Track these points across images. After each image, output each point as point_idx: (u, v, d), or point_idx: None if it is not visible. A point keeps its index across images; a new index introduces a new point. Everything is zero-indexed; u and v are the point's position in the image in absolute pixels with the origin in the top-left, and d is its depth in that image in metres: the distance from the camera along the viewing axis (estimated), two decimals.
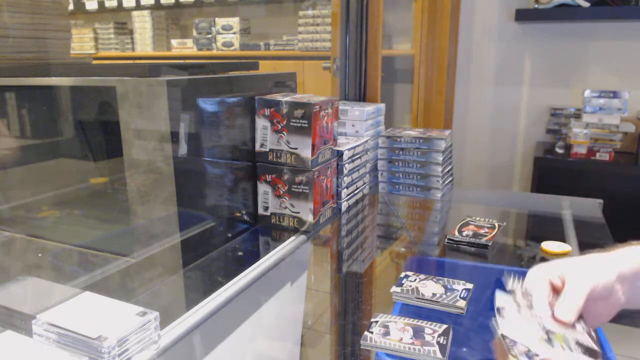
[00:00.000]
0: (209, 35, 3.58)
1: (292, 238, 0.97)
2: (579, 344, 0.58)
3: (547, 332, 0.59)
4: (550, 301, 0.61)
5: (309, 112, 0.95)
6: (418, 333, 0.66)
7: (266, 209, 1.03)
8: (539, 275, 0.63)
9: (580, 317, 0.60)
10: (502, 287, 0.87)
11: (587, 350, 0.56)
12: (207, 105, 0.89)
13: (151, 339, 0.56)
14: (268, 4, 3.55)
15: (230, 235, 0.98)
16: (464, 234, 1.04)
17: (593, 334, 0.59)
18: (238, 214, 1.02)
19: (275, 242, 0.98)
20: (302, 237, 0.98)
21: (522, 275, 0.65)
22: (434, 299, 0.76)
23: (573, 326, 0.59)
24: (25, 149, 1.10)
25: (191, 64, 0.96)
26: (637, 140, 2.17)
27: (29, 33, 1.10)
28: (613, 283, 0.60)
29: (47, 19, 1.14)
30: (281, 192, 1.00)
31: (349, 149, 1.14)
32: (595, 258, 0.64)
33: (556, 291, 0.62)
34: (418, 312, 0.75)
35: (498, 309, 0.63)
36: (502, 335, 0.57)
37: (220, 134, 0.93)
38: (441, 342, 0.65)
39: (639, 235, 0.70)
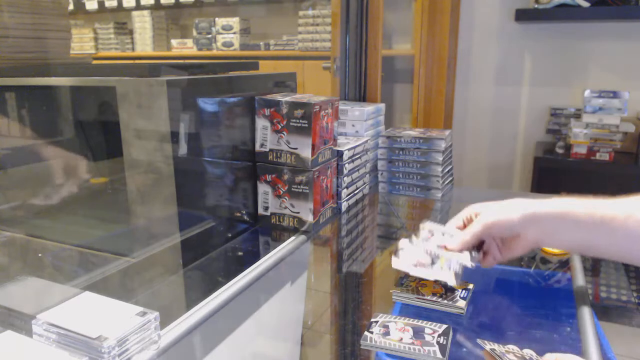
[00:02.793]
0: (209, 35, 3.58)
1: (292, 238, 0.97)
2: (461, 265, 0.73)
3: (433, 258, 0.75)
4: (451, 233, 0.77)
5: (309, 112, 0.95)
6: (418, 333, 0.66)
7: (266, 209, 1.03)
8: (459, 215, 0.78)
9: (476, 250, 0.76)
10: (503, 287, 0.87)
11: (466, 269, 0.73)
12: (207, 105, 0.89)
13: (151, 339, 0.56)
14: (268, 4, 3.55)
15: (230, 235, 0.98)
16: None
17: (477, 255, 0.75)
18: (238, 214, 1.02)
19: (275, 242, 0.98)
20: (302, 237, 0.98)
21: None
22: (434, 299, 0.76)
23: (461, 252, 0.74)
24: (25, 149, 1.10)
25: (191, 64, 0.96)
26: (637, 140, 2.17)
27: (29, 33, 1.10)
28: (515, 223, 0.70)
29: (47, 19, 1.14)
30: (281, 192, 1.00)
31: (349, 149, 1.14)
32: (510, 201, 0.73)
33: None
34: (418, 312, 0.75)
35: (396, 251, 0.77)
36: (492, 349, 0.58)
37: (220, 134, 0.93)
38: (441, 342, 0.65)
39: None
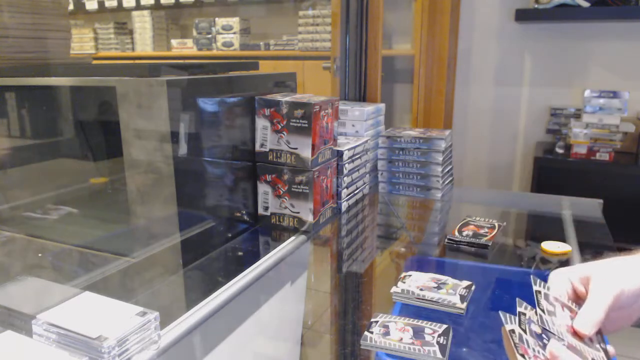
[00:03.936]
0: (209, 35, 3.58)
1: (292, 238, 0.97)
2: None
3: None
4: (569, 306, 0.57)
5: (309, 112, 0.95)
6: (418, 333, 0.66)
7: (266, 209, 1.03)
8: (560, 278, 0.59)
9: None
10: (503, 287, 0.87)
11: None
12: (207, 105, 0.89)
13: (151, 339, 0.56)
14: (268, 4, 3.55)
15: (230, 235, 0.98)
16: (464, 234, 1.04)
17: (605, 346, 0.56)
18: (238, 214, 1.02)
19: (275, 242, 0.98)
20: (302, 237, 0.98)
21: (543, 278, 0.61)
22: (434, 299, 0.76)
23: (590, 339, 0.55)
24: (26, 149, 1.10)
25: (191, 64, 0.96)
26: (637, 140, 2.17)
27: (29, 33, 1.10)
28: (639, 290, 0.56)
29: (47, 19, 1.14)
30: (281, 192, 1.00)
31: (349, 149, 1.14)
32: (622, 262, 0.59)
33: (578, 296, 0.58)
34: (418, 312, 0.75)
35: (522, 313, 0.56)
36: (511, 330, 0.54)
37: (220, 134, 0.93)
38: (441, 342, 0.65)
39: (639, 235, 0.69)
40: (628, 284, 0.56)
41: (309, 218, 0.99)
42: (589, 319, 0.55)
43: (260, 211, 1.04)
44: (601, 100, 2.14)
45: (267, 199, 1.02)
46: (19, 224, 0.98)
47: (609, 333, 0.59)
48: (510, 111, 2.55)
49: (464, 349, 0.66)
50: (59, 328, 0.53)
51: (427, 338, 0.65)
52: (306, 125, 0.95)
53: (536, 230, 1.23)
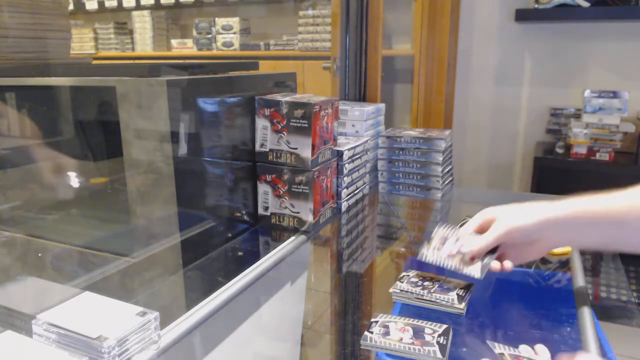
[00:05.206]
0: (209, 35, 3.58)
1: (292, 238, 0.97)
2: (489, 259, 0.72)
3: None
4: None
5: (309, 112, 0.95)
6: (418, 333, 0.66)
7: (266, 209, 1.03)
8: (474, 218, 0.76)
9: (490, 255, 0.73)
10: (503, 287, 0.87)
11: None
12: (207, 105, 0.89)
13: (151, 339, 0.56)
14: (268, 4, 3.55)
15: (230, 235, 0.98)
16: None
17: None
18: (238, 214, 1.02)
19: (275, 242, 0.98)
20: (302, 237, 0.98)
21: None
22: (434, 299, 0.76)
23: (476, 258, 0.73)
24: (25, 149, 1.10)
25: (191, 64, 0.96)
26: (637, 140, 2.17)
27: (29, 33, 1.10)
28: (533, 229, 0.69)
29: (47, 19, 1.14)
30: (281, 192, 1.00)
31: (349, 149, 1.14)
32: (525, 205, 0.72)
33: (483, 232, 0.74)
34: (418, 312, 0.75)
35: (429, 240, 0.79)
36: (500, 353, 0.58)
37: (220, 134, 0.93)
38: (441, 342, 0.65)
39: None
40: (519, 223, 0.70)
41: (309, 218, 0.99)
42: (477, 242, 0.73)
43: (260, 211, 1.04)
44: (601, 100, 2.14)
45: (267, 199, 1.02)
46: (19, 224, 0.98)
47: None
48: (510, 111, 2.55)
49: (464, 349, 0.66)
50: (59, 328, 0.53)
51: (427, 338, 0.65)
52: (306, 125, 0.95)
53: None
